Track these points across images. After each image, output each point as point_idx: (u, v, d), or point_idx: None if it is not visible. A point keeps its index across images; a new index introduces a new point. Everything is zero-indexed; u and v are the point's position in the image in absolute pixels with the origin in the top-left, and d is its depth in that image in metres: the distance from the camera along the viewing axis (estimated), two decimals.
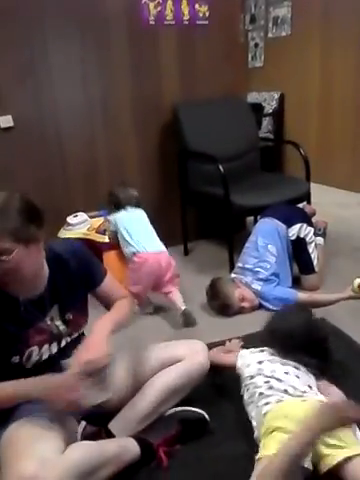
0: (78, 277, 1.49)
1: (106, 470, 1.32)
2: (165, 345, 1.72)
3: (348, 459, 1.25)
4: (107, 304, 1.62)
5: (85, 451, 1.29)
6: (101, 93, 3.06)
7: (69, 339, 1.52)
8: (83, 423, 1.51)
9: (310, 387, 1.50)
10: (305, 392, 1.46)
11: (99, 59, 3.00)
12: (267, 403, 1.44)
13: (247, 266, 2.58)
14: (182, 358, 1.61)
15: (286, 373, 1.53)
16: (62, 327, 1.48)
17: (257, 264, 2.54)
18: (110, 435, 1.50)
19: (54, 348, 1.48)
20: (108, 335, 1.42)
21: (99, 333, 1.42)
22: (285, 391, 1.45)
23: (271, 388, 1.48)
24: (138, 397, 1.57)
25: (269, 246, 2.55)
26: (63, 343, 1.50)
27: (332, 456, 1.26)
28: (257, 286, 2.50)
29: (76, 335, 1.55)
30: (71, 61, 2.93)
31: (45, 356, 1.45)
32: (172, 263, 2.52)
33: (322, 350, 1.69)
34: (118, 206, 2.62)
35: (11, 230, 1.24)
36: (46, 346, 1.45)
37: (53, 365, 1.44)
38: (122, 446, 1.44)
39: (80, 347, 1.41)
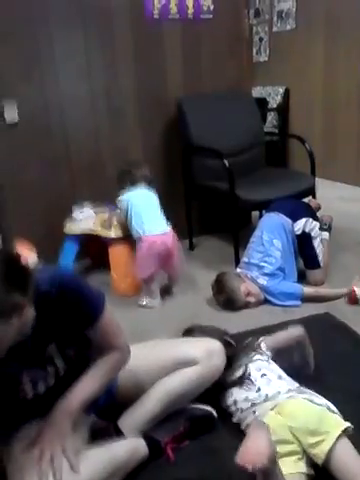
0: (69, 315, 1.28)
1: (116, 478, 1.36)
2: (180, 341, 1.68)
3: (330, 451, 1.27)
4: (98, 351, 1.42)
5: (94, 468, 1.30)
6: (105, 85, 3.05)
7: (68, 368, 1.39)
8: (92, 417, 1.51)
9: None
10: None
11: (103, 52, 2.99)
12: None
13: (252, 261, 2.57)
14: (198, 361, 1.54)
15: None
16: (61, 365, 1.36)
17: (262, 259, 2.53)
18: (119, 432, 1.49)
19: (51, 381, 1.37)
20: (72, 415, 1.33)
21: (62, 415, 1.33)
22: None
23: None
24: (148, 397, 1.54)
25: (274, 241, 2.54)
26: (62, 373, 1.38)
27: (318, 456, 1.28)
28: (263, 281, 2.49)
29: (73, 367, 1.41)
30: (75, 53, 2.92)
31: (42, 390, 1.35)
32: (176, 246, 2.57)
33: None
34: (132, 182, 2.60)
35: None
36: (41, 384, 1.34)
37: (55, 393, 1.37)
38: (131, 450, 1.43)
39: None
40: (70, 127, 3.02)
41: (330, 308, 2.34)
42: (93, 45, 2.95)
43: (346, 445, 1.29)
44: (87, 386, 1.37)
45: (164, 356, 1.59)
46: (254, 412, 1.50)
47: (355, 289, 2.36)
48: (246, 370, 1.62)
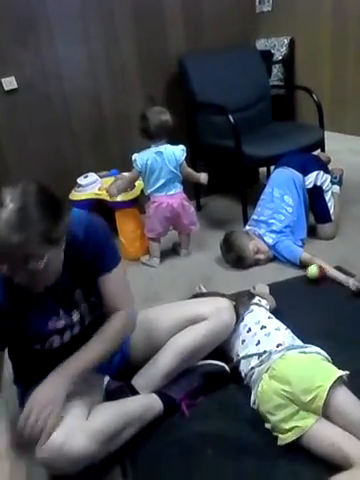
0: (90, 259, 1.35)
1: (130, 430, 1.38)
2: (190, 301, 1.70)
3: (325, 405, 1.26)
4: (104, 305, 1.43)
5: (107, 417, 1.33)
6: (104, 48, 2.96)
7: (93, 317, 1.46)
8: (107, 378, 1.53)
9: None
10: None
11: (100, 12, 2.88)
12: None
13: (262, 218, 2.54)
14: (207, 316, 1.56)
15: None
16: (86, 311, 1.42)
17: (272, 216, 2.50)
18: (134, 391, 1.51)
19: (76, 330, 1.43)
20: (69, 379, 1.29)
21: (59, 378, 1.29)
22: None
23: None
24: (161, 355, 1.56)
25: (285, 197, 2.50)
26: (86, 322, 1.45)
27: (317, 411, 1.28)
28: (269, 239, 2.47)
29: (98, 317, 1.47)
30: (71, 16, 2.82)
31: (67, 339, 1.41)
32: (186, 204, 2.57)
33: None
34: (149, 135, 2.46)
35: (40, 234, 1.11)
36: (68, 332, 1.41)
37: (79, 342, 1.39)
38: (145, 405, 1.46)
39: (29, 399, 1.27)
40: (70, 93, 2.95)
41: (342, 263, 2.31)
42: (89, 6, 2.85)
43: (341, 394, 1.28)
44: (90, 352, 1.36)
45: (175, 315, 1.61)
46: (252, 374, 1.50)
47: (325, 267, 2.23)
48: (245, 322, 1.67)
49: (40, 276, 1.19)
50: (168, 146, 2.50)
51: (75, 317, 1.40)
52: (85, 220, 1.37)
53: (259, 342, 1.56)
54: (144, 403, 1.47)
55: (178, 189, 2.56)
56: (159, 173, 2.49)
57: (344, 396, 1.28)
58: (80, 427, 1.26)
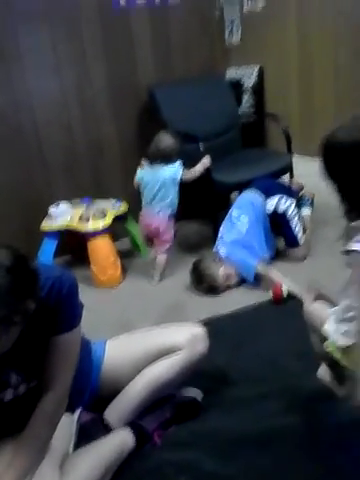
0: (46, 316, 1.21)
1: (107, 477, 1.36)
2: (165, 329, 1.66)
3: None
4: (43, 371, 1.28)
5: (84, 472, 1.30)
6: (76, 79, 3.01)
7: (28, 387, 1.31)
8: (78, 410, 1.49)
9: None
10: None
11: (71, 44, 2.94)
12: None
13: (223, 238, 2.61)
14: (182, 347, 1.53)
15: None
16: (23, 388, 1.29)
17: (226, 232, 2.59)
18: (106, 424, 1.50)
19: (22, 389, 1.30)
20: None
21: None
22: None
23: None
24: (134, 386, 1.53)
25: (241, 216, 2.59)
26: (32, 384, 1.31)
27: None
28: (223, 251, 2.55)
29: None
30: (43, 47, 2.86)
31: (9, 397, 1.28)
32: (162, 228, 2.68)
33: None
34: (149, 158, 2.68)
35: (2, 317, 1.01)
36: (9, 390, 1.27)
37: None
38: (120, 445, 1.43)
39: None
40: (41, 123, 2.97)
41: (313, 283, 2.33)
42: (60, 38, 2.90)
43: None
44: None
45: (148, 345, 1.59)
46: None
47: (281, 285, 2.27)
48: None
49: None
50: (165, 168, 2.63)
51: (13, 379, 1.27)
52: (55, 271, 1.28)
53: None
54: (118, 443, 1.44)
55: (161, 212, 2.66)
56: (149, 191, 2.65)
57: None
58: None
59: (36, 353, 1.27)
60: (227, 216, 2.68)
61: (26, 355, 1.25)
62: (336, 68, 4.26)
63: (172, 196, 2.66)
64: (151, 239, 2.78)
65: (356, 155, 1.19)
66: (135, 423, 1.51)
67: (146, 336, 1.66)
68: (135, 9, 3.04)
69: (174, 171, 2.62)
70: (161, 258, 2.72)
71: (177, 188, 2.67)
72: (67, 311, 1.26)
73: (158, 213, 2.67)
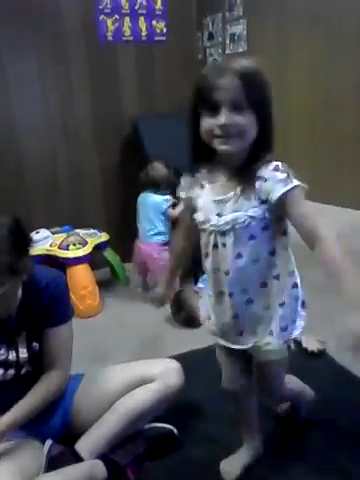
0: (43, 308, 1.40)
1: None
2: (138, 364, 1.66)
3: None
4: (42, 359, 1.45)
5: None
6: (60, 108, 3.05)
7: (31, 369, 1.45)
8: (49, 442, 1.46)
9: None
10: None
11: (57, 74, 2.99)
12: None
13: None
14: (155, 378, 1.53)
15: None
16: (24, 355, 1.42)
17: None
18: (77, 457, 1.45)
19: (11, 373, 1.42)
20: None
21: None
22: None
23: None
24: (107, 418, 1.50)
25: None
26: (23, 371, 1.44)
27: None
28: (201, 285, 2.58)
29: (36, 369, 1.46)
30: (28, 76, 2.91)
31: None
32: (153, 257, 2.71)
33: None
34: (142, 185, 2.77)
35: (6, 264, 1.22)
36: (1, 369, 1.41)
37: (13, 388, 1.40)
38: (89, 474, 1.39)
39: None
40: (23, 150, 2.99)
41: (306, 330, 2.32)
42: (47, 68, 2.95)
43: None
44: (20, 409, 1.38)
45: (122, 377, 1.57)
46: None
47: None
48: None
49: None
50: (153, 196, 2.71)
51: (11, 357, 1.41)
52: (53, 272, 1.47)
53: None
54: (87, 472, 1.40)
55: (153, 240, 2.72)
56: (141, 218, 2.77)
57: None
58: None
59: (30, 341, 1.42)
60: None
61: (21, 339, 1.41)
62: (312, 112, 4.42)
63: (158, 224, 2.72)
64: (145, 268, 2.81)
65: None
66: (107, 456, 1.47)
67: (121, 369, 1.64)
68: (121, 44, 3.12)
69: (159, 202, 2.69)
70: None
71: (164, 218, 2.72)
72: (62, 306, 1.44)
73: (152, 244, 2.74)
